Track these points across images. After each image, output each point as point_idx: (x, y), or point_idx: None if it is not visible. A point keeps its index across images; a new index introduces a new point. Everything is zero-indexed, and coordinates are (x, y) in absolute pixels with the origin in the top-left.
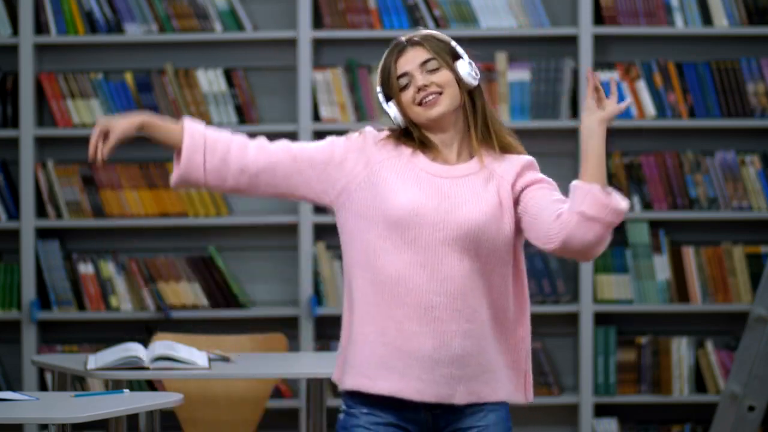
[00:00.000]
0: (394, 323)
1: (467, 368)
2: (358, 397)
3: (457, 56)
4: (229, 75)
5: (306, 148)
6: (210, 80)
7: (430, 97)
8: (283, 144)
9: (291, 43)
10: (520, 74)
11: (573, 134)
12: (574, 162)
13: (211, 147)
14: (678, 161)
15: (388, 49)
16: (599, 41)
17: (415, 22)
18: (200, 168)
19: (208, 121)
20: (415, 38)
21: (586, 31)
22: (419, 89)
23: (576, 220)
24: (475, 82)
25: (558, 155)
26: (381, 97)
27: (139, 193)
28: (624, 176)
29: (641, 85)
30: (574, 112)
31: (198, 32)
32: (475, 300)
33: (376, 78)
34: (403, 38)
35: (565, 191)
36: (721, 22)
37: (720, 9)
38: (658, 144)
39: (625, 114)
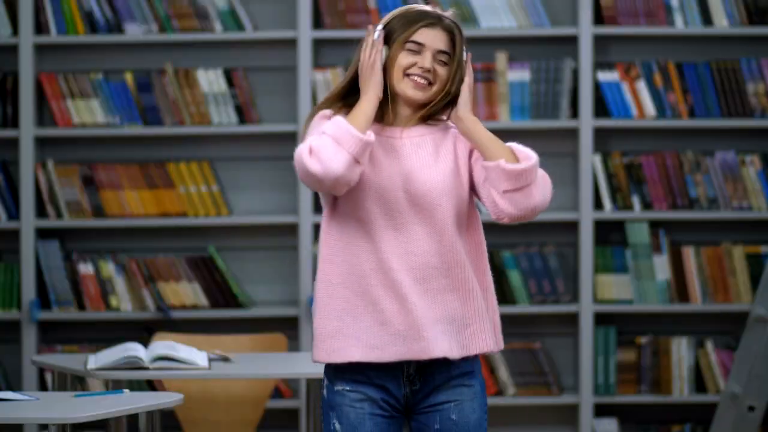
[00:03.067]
0: (368, 291)
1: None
2: (340, 372)
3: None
4: (229, 75)
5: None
6: (210, 80)
7: (422, 81)
8: None
9: (291, 43)
10: (520, 74)
11: (573, 134)
12: (574, 162)
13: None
14: (678, 161)
15: (415, 8)
16: (599, 41)
17: None
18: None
19: (208, 121)
20: (450, 24)
21: (586, 31)
22: (422, 68)
23: (508, 198)
24: (456, 86)
25: (558, 155)
26: (379, 34)
27: (139, 193)
28: (624, 176)
29: (641, 85)
30: (574, 112)
31: (198, 32)
32: (435, 259)
33: (387, 17)
34: (438, 12)
35: (566, 191)
36: (721, 22)
37: (720, 9)
38: (658, 144)
39: (625, 114)
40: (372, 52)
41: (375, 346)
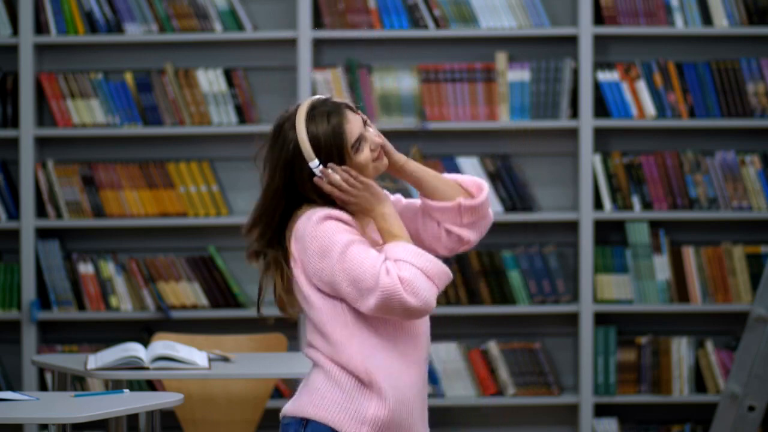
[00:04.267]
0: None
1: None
2: None
3: None
4: (229, 75)
5: None
6: (210, 80)
7: (378, 152)
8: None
9: (291, 43)
10: (520, 74)
11: (573, 134)
12: (574, 162)
13: None
14: (678, 161)
15: (321, 117)
16: (599, 41)
17: (415, 22)
18: None
19: (208, 121)
20: (341, 104)
21: (586, 31)
22: (374, 148)
23: (470, 227)
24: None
25: (558, 155)
26: (320, 166)
27: (139, 193)
28: (624, 176)
29: (641, 85)
30: (574, 112)
31: (198, 32)
32: None
33: (306, 147)
34: (322, 103)
35: (566, 191)
36: (721, 22)
37: (720, 9)
38: (658, 144)
39: (625, 114)
40: (349, 180)
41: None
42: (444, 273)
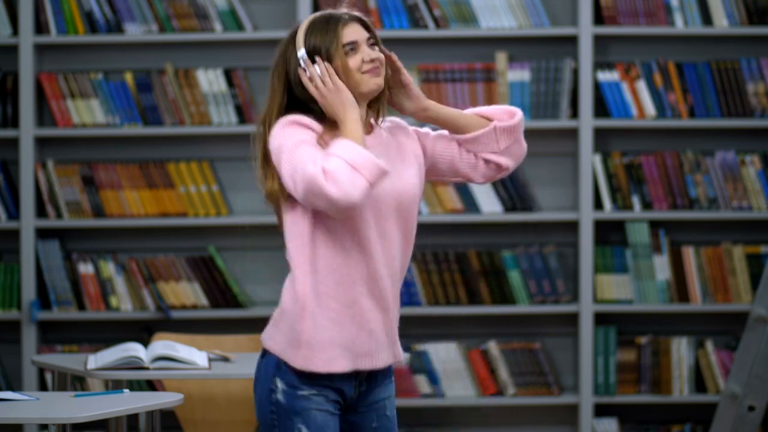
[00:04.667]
0: (357, 300)
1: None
2: (307, 377)
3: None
4: (229, 75)
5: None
6: (210, 80)
7: (376, 68)
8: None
9: None
10: (520, 74)
11: (573, 134)
12: (574, 162)
13: None
14: (678, 161)
15: (322, 18)
16: (599, 41)
17: (415, 22)
18: None
19: (208, 121)
20: (352, 15)
21: (586, 31)
22: (368, 61)
23: (506, 153)
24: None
25: (558, 155)
26: (304, 55)
27: (139, 193)
28: (624, 176)
29: (641, 85)
30: (574, 112)
31: (198, 32)
32: (402, 264)
33: (298, 39)
34: (341, 11)
35: (566, 191)
36: (721, 22)
37: (720, 9)
38: (658, 144)
39: (625, 114)
40: (325, 76)
41: (364, 354)
42: (374, 165)
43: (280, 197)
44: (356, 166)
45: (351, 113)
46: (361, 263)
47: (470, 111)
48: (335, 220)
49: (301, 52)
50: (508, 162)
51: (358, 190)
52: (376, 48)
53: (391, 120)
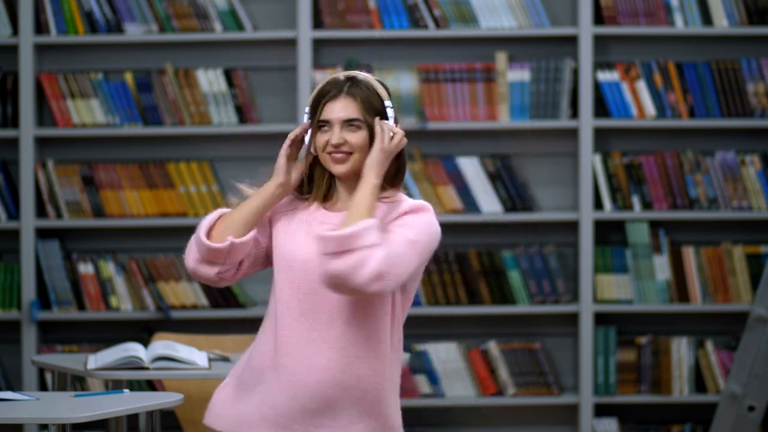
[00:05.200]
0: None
1: None
2: None
3: (383, 112)
4: (229, 75)
5: None
6: (210, 80)
7: (338, 155)
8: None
9: (291, 43)
10: (520, 74)
11: (573, 134)
12: (574, 162)
13: None
14: (678, 161)
15: (328, 80)
16: (599, 41)
17: (415, 22)
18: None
19: (208, 121)
20: (353, 89)
21: (586, 31)
22: (332, 145)
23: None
24: (391, 147)
25: (558, 155)
26: (306, 116)
27: (139, 193)
28: (624, 176)
29: (641, 85)
30: (574, 112)
31: (198, 32)
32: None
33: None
34: (343, 77)
35: (566, 191)
36: (721, 22)
37: (720, 9)
38: (658, 144)
39: (625, 114)
40: (290, 137)
41: None
42: (197, 234)
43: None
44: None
45: (267, 184)
46: None
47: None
48: None
49: (306, 110)
50: (317, 269)
51: (189, 261)
52: (359, 130)
53: (411, 205)
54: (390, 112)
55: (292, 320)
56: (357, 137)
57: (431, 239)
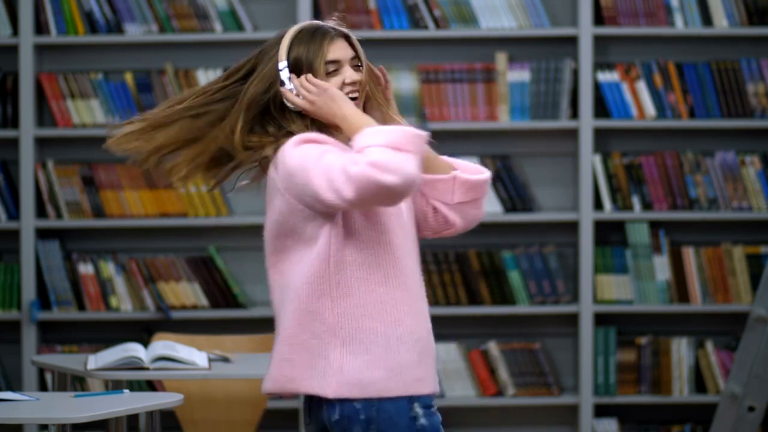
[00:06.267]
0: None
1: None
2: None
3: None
4: None
5: None
6: (210, 80)
7: (355, 95)
8: None
9: None
10: (520, 74)
11: (573, 134)
12: (574, 162)
13: None
14: (678, 161)
15: (309, 29)
16: (599, 41)
17: (415, 22)
18: None
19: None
20: (341, 30)
21: (586, 31)
22: (349, 83)
23: (458, 210)
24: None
25: (558, 155)
26: (285, 69)
27: (139, 193)
28: (624, 176)
29: (641, 85)
30: (574, 112)
31: (198, 32)
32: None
33: (281, 51)
34: (316, 23)
35: (566, 191)
36: (721, 23)
37: (720, 9)
38: (658, 144)
39: (625, 114)
40: (305, 82)
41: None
42: (413, 135)
43: (300, 220)
44: (399, 146)
45: (347, 106)
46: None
47: (442, 158)
48: (370, 237)
49: (283, 64)
50: (456, 219)
51: (412, 167)
52: (360, 70)
53: None
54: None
55: (412, 263)
56: (361, 75)
57: None
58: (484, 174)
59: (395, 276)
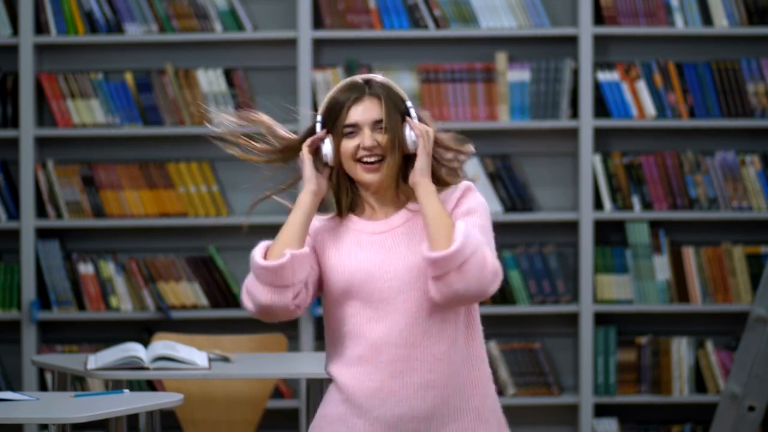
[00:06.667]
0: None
1: (433, 421)
2: None
3: (406, 113)
4: (229, 75)
5: None
6: (210, 80)
7: (372, 160)
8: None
9: (291, 43)
10: (520, 74)
11: (573, 134)
12: (574, 162)
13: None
14: (678, 161)
15: (343, 85)
16: (599, 41)
17: (415, 22)
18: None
19: (209, 121)
20: (376, 89)
21: (586, 31)
22: (364, 148)
23: (433, 283)
24: (414, 148)
25: (558, 155)
26: (319, 125)
27: (139, 193)
28: (624, 176)
29: (641, 85)
30: (574, 112)
31: (198, 32)
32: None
33: (321, 106)
34: (361, 80)
35: (566, 191)
36: (721, 22)
37: (720, 9)
38: (658, 144)
39: (625, 114)
40: (306, 145)
41: None
42: (254, 265)
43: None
44: (254, 274)
45: (298, 199)
46: None
47: (457, 224)
48: None
49: (318, 118)
50: (433, 293)
51: (262, 295)
52: (386, 131)
53: (460, 189)
54: (413, 111)
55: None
56: (386, 139)
57: (489, 214)
58: (447, 249)
59: None
